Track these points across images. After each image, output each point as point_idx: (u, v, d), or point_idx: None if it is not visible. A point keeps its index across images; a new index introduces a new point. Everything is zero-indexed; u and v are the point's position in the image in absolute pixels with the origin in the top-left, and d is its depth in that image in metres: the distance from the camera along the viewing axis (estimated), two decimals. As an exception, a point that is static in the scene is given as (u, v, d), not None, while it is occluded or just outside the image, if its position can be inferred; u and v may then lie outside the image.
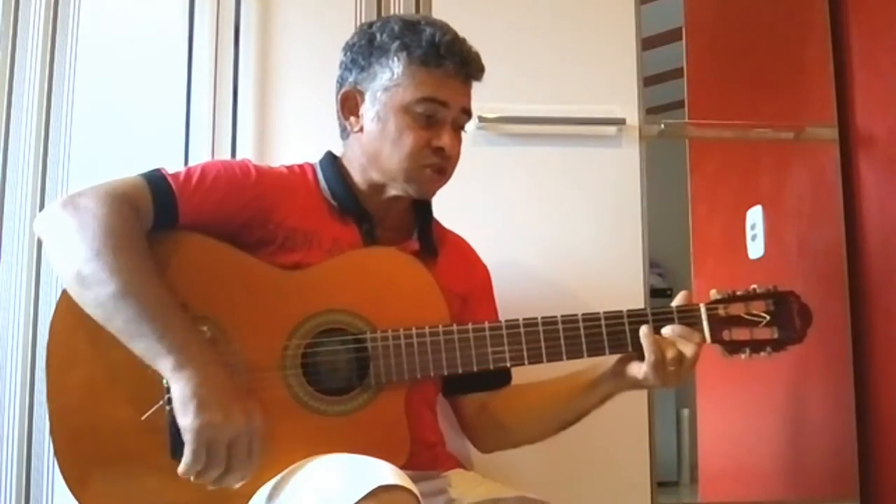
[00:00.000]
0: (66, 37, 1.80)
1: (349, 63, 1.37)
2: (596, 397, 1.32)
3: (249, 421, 1.09)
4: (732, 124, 2.15)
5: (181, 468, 1.08)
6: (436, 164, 1.32)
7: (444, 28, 1.33)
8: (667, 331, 1.24)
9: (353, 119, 1.37)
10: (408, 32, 1.32)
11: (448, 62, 1.31)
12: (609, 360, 1.30)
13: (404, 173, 1.32)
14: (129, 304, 1.10)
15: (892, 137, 1.85)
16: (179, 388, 1.08)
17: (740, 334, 1.27)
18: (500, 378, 1.42)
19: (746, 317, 1.27)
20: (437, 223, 1.48)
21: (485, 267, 1.52)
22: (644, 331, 1.23)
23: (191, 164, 1.35)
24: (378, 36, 1.34)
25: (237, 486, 1.10)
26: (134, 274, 1.12)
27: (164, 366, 1.10)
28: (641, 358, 1.24)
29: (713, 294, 1.28)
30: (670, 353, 1.22)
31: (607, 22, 1.89)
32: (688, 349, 1.22)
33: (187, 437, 1.07)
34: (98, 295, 1.12)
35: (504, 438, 1.42)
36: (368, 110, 1.34)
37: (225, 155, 1.78)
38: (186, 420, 1.07)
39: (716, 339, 1.26)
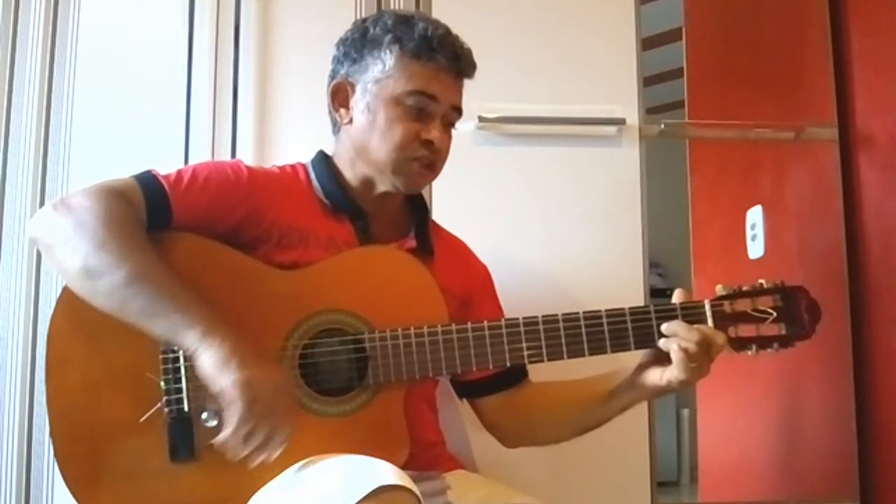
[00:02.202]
0: (66, 37, 1.80)
1: (341, 56, 1.38)
2: (616, 407, 1.31)
3: (284, 379, 1.11)
4: (732, 124, 2.15)
5: (223, 436, 1.08)
6: (424, 158, 1.33)
7: (436, 23, 1.34)
8: (679, 328, 1.21)
9: (343, 111, 1.37)
10: (401, 26, 1.33)
11: (440, 56, 1.31)
12: (626, 370, 1.30)
13: (392, 165, 1.32)
14: (143, 286, 1.11)
15: (892, 137, 1.85)
16: (213, 352, 1.09)
17: (746, 331, 1.25)
18: (516, 375, 1.42)
19: (753, 313, 1.25)
20: (434, 223, 1.48)
21: (483, 266, 1.52)
22: (672, 327, 1.21)
23: (191, 163, 1.35)
24: (371, 29, 1.35)
25: (276, 453, 1.10)
26: (139, 259, 1.13)
27: (191, 336, 1.11)
28: (654, 363, 1.24)
29: (719, 290, 1.26)
30: (694, 349, 1.18)
31: (607, 22, 1.89)
32: (719, 338, 1.20)
33: (231, 396, 1.07)
34: (110, 283, 1.12)
35: (526, 437, 1.45)
36: (359, 102, 1.34)
37: (225, 155, 1.78)
38: (228, 378, 1.08)
39: None
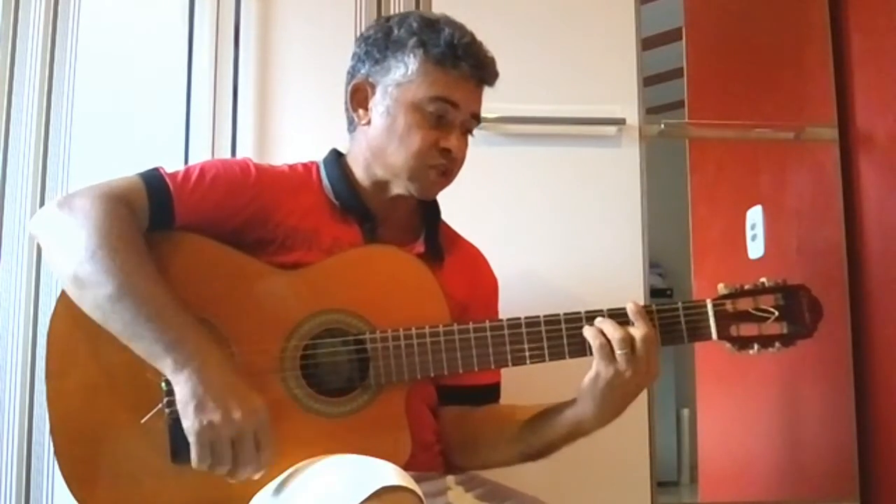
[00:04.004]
0: (66, 37, 1.80)
1: (363, 55, 1.35)
2: (561, 423, 1.25)
3: (251, 416, 1.08)
4: (732, 124, 2.16)
5: (193, 464, 1.09)
6: (441, 166, 1.31)
7: (462, 30, 1.32)
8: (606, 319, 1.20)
9: (361, 111, 1.35)
10: (426, 30, 1.30)
11: (464, 64, 1.29)
12: None
13: (408, 171, 1.30)
14: (125, 305, 1.10)
15: (892, 137, 1.85)
16: (179, 390, 1.09)
17: (748, 330, 1.24)
18: (487, 394, 1.39)
19: (755, 312, 1.24)
20: (450, 229, 1.46)
21: (493, 279, 1.48)
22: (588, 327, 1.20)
23: (191, 164, 1.35)
24: (395, 30, 1.32)
25: (256, 477, 1.10)
26: (130, 275, 1.11)
27: (165, 367, 1.10)
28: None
29: (720, 289, 1.25)
30: (617, 334, 1.17)
31: (607, 22, 1.89)
32: (633, 329, 1.18)
33: (190, 439, 1.08)
34: (95, 296, 1.11)
35: (471, 457, 1.36)
36: (378, 104, 1.32)
37: (225, 155, 1.78)
38: (187, 422, 1.08)
39: (723, 335, 1.23)
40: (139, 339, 1.11)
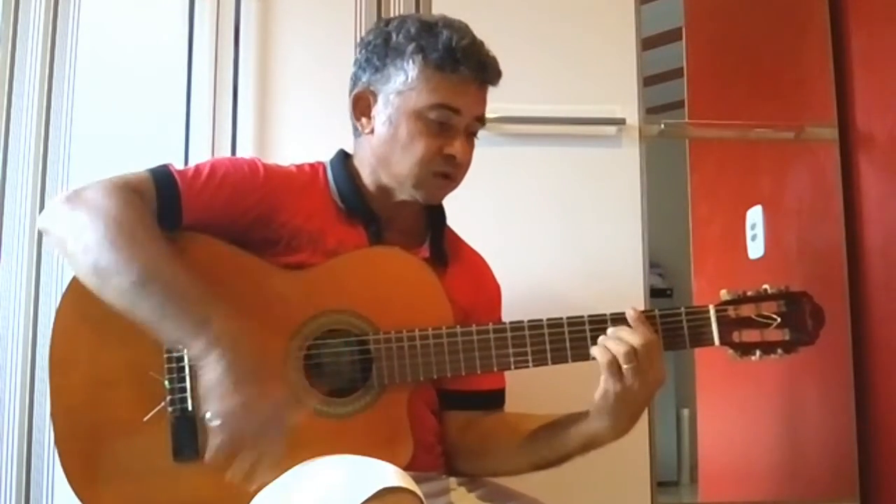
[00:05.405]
0: (66, 37, 1.80)
1: (363, 62, 1.34)
2: (575, 437, 1.24)
3: (275, 409, 1.09)
4: (732, 124, 2.16)
5: (208, 455, 1.08)
6: (446, 172, 1.30)
7: (461, 31, 1.30)
8: (609, 331, 1.20)
9: (364, 120, 1.34)
10: (424, 34, 1.29)
11: (464, 68, 1.28)
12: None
13: (413, 179, 1.30)
14: (150, 291, 1.10)
15: (892, 138, 1.85)
16: (205, 373, 1.08)
17: (750, 336, 1.24)
18: (492, 400, 1.39)
19: (757, 318, 1.24)
20: (455, 235, 1.45)
21: (496, 286, 1.48)
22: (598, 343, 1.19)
23: (191, 163, 1.35)
24: (394, 36, 1.31)
25: (268, 477, 1.09)
26: (150, 260, 1.11)
27: (192, 349, 1.10)
28: None
29: (723, 294, 1.25)
30: (622, 349, 1.17)
31: (607, 22, 1.90)
32: (635, 339, 1.17)
33: (214, 424, 1.07)
34: (118, 285, 1.11)
35: (480, 464, 1.35)
36: (380, 113, 1.31)
37: (225, 155, 1.78)
38: (208, 406, 1.08)
39: (725, 341, 1.23)
40: (166, 322, 1.10)
